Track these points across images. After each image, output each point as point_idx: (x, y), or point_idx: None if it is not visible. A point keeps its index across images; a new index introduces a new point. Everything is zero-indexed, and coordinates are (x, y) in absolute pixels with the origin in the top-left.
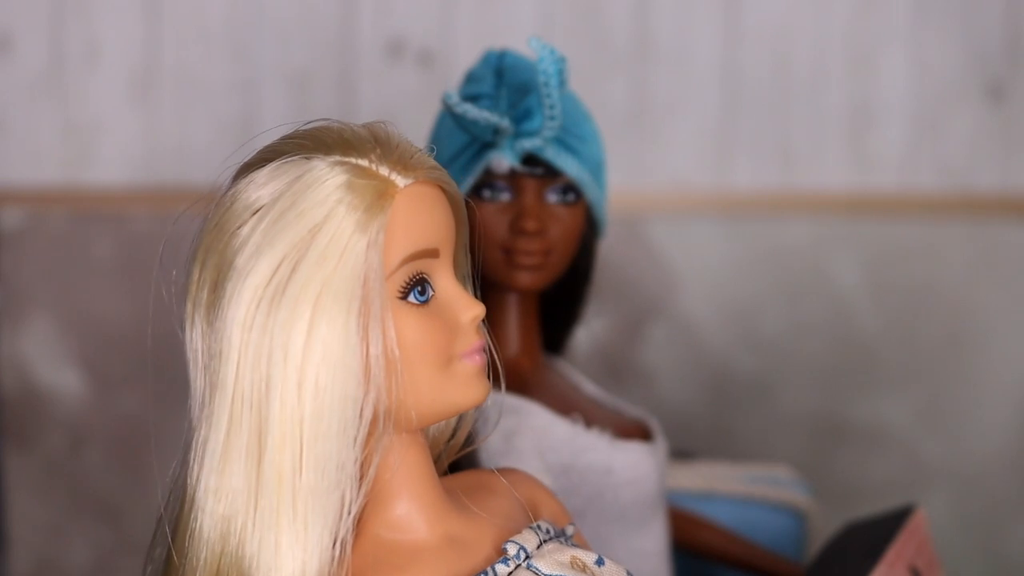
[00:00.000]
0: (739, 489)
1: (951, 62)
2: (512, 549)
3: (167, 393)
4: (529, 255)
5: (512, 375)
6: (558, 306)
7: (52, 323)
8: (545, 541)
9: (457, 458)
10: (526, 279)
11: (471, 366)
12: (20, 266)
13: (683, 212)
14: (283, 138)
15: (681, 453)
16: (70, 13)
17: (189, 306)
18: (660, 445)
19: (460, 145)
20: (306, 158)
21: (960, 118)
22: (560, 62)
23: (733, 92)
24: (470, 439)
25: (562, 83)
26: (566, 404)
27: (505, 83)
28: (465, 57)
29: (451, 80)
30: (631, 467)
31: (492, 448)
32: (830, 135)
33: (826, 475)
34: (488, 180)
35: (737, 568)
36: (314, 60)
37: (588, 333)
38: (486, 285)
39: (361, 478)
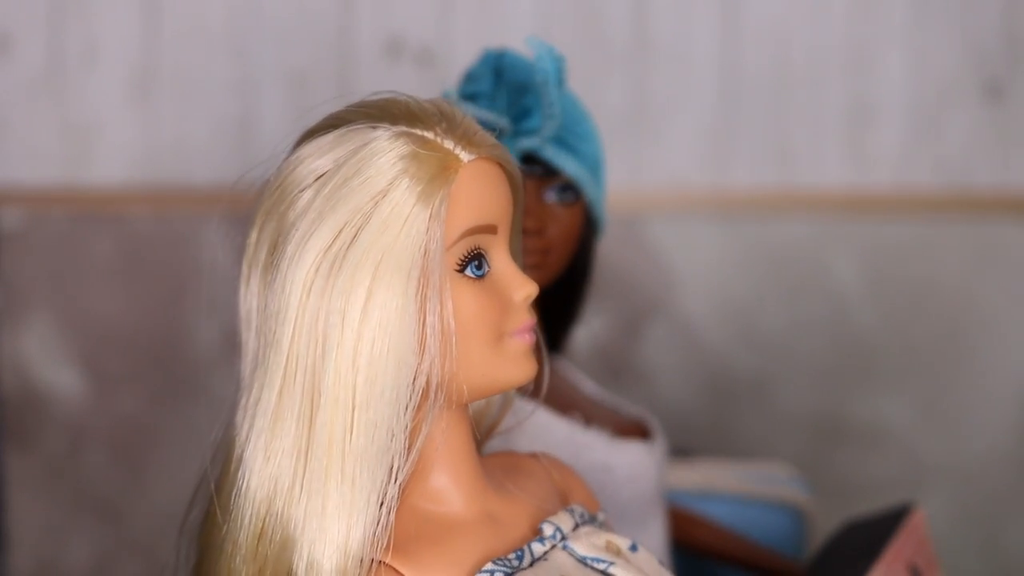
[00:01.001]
0: (738, 487)
1: (949, 60)
2: (548, 529)
3: (167, 393)
4: (528, 254)
5: None
6: (557, 305)
7: (52, 323)
8: (579, 524)
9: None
10: None
11: (521, 344)
12: (20, 266)
13: (681, 211)
14: (349, 107)
15: (680, 451)
16: (69, 13)
17: (246, 266)
18: (659, 444)
19: None
20: (371, 127)
21: (958, 117)
22: (558, 61)
23: (731, 91)
24: (492, 427)
25: (560, 82)
26: (565, 403)
27: (504, 82)
28: (464, 57)
29: (450, 80)
30: (630, 466)
31: (491, 447)
32: (828, 134)
33: (825, 473)
34: None
35: (736, 566)
36: (313, 60)
37: (587, 332)
38: None
39: (408, 448)
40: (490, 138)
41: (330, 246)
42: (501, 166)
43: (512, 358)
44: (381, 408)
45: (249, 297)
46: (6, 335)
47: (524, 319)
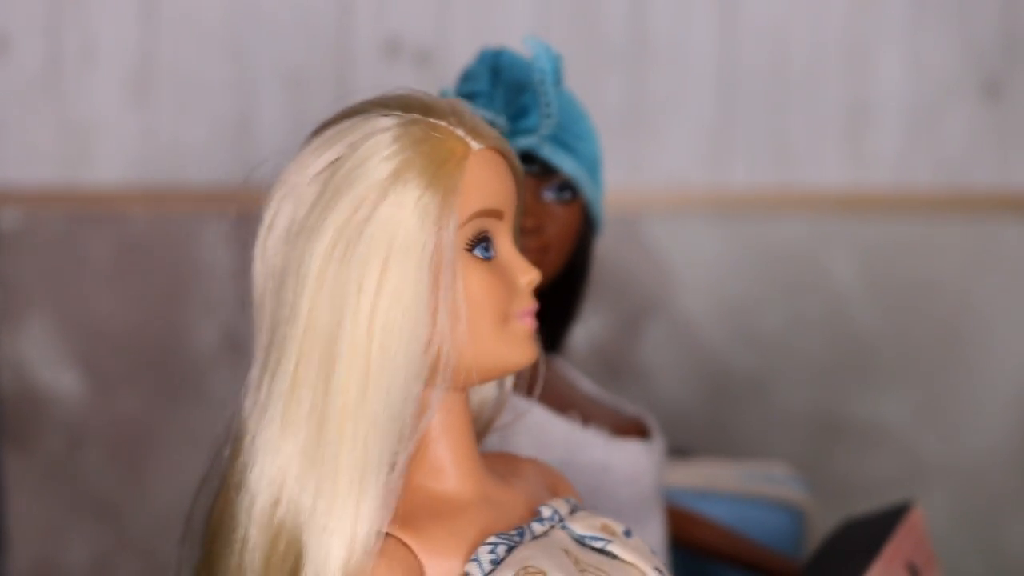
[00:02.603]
0: (737, 486)
1: (947, 60)
2: (546, 511)
3: (165, 393)
4: (526, 253)
5: None
6: (555, 304)
7: (50, 323)
8: (575, 510)
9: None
10: None
11: (524, 327)
12: (17, 266)
13: (680, 210)
14: (364, 101)
15: (679, 451)
16: (67, 13)
17: (261, 242)
18: (657, 443)
19: None
20: (384, 115)
21: (957, 115)
22: (556, 60)
23: (729, 90)
24: (488, 425)
25: (558, 81)
26: (563, 402)
27: (501, 81)
28: (462, 56)
29: (448, 79)
30: (628, 465)
31: (489, 446)
32: (827, 133)
33: (824, 472)
34: None
35: (735, 565)
36: (311, 59)
37: (586, 331)
38: None
39: (418, 418)
40: (496, 132)
41: (347, 222)
42: (505, 158)
43: (516, 340)
44: (394, 375)
45: (265, 272)
46: (4, 335)
47: (528, 302)
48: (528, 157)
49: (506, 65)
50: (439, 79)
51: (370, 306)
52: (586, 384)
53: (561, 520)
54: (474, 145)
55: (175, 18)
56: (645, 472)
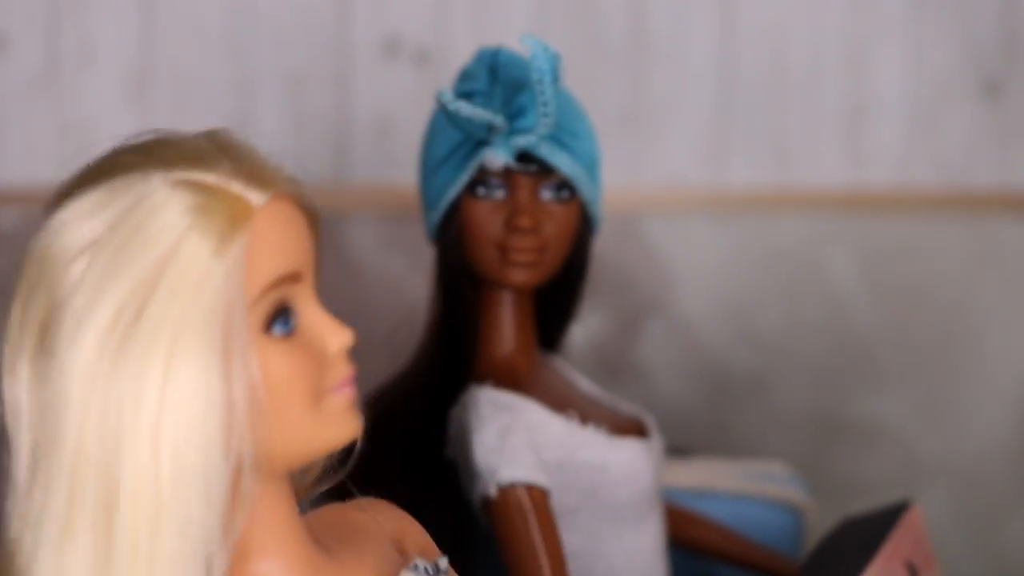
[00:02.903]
0: (735, 486)
1: (947, 58)
2: None
3: None
4: (523, 252)
5: (506, 372)
6: (553, 303)
7: None
8: None
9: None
10: (521, 276)
11: (342, 400)
12: (16, 266)
13: (679, 209)
14: (113, 152)
15: (678, 450)
16: (66, 12)
17: (9, 352)
18: (656, 442)
19: (454, 143)
20: (144, 176)
21: (956, 115)
22: (554, 59)
23: (729, 89)
24: (327, 472)
25: (556, 80)
26: (561, 401)
27: (499, 80)
28: (461, 55)
29: (447, 79)
30: (626, 464)
31: (488, 445)
32: (826, 132)
33: (823, 472)
34: (482, 177)
35: (733, 565)
36: (310, 59)
37: (584, 331)
38: (480, 282)
39: (224, 538)
40: (280, 172)
41: (114, 324)
42: (297, 203)
43: (335, 417)
44: (191, 500)
45: (16, 390)
46: (2, 336)
47: (343, 372)
48: (526, 156)
49: (504, 64)
50: (438, 79)
51: (152, 423)
52: (584, 383)
53: None
54: (256, 200)
55: (174, 17)
56: (643, 471)
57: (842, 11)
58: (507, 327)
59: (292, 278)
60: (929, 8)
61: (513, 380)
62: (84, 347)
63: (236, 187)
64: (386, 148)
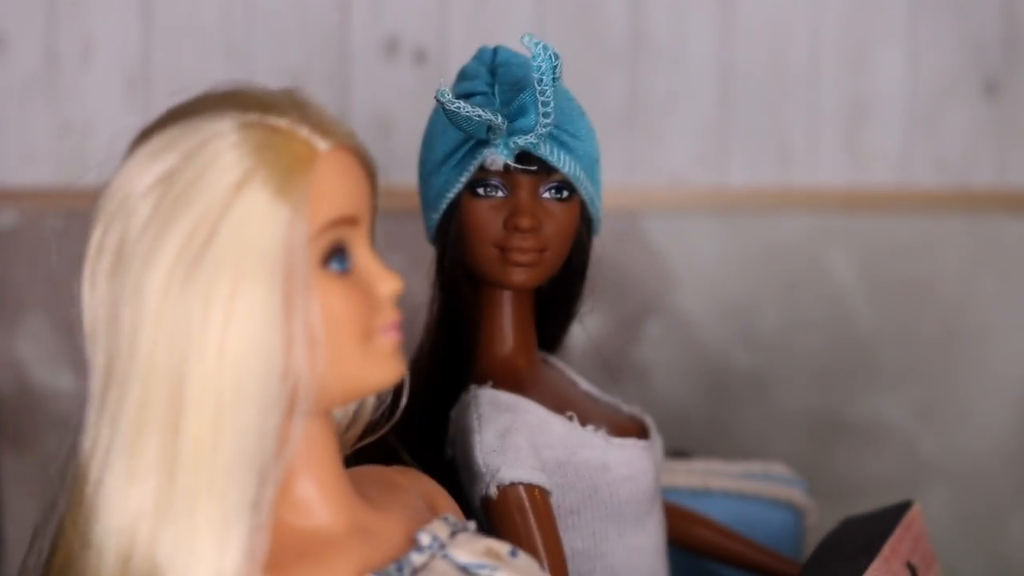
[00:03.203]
0: (736, 486)
1: (947, 58)
2: (425, 539)
3: None
4: (523, 252)
5: (507, 372)
6: (553, 303)
7: (47, 323)
8: (456, 532)
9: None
10: (520, 276)
11: (389, 342)
12: (14, 266)
13: (679, 209)
14: (193, 98)
15: (678, 450)
16: (64, 13)
17: (88, 273)
18: (655, 442)
19: (454, 143)
20: (219, 117)
21: (956, 114)
22: (554, 59)
23: (729, 89)
24: (367, 431)
25: (556, 79)
26: (561, 401)
27: (499, 80)
28: (460, 55)
29: (447, 78)
30: (626, 464)
31: (488, 445)
32: (826, 131)
33: (823, 472)
34: (482, 177)
35: (733, 565)
36: (308, 59)
37: (585, 330)
38: (480, 282)
39: (279, 454)
40: (344, 126)
41: (185, 247)
42: (357, 156)
43: (381, 357)
44: (249, 412)
45: (95, 307)
46: (1, 335)
47: (391, 315)
48: (526, 156)
49: (504, 63)
50: (438, 78)
51: (218, 340)
52: (584, 383)
53: (442, 547)
54: (321, 146)
55: (172, 17)
56: (643, 471)
57: (842, 10)
58: (507, 327)
59: (349, 221)
60: (929, 7)
61: (513, 380)
62: (158, 268)
63: (303, 132)
64: (385, 148)
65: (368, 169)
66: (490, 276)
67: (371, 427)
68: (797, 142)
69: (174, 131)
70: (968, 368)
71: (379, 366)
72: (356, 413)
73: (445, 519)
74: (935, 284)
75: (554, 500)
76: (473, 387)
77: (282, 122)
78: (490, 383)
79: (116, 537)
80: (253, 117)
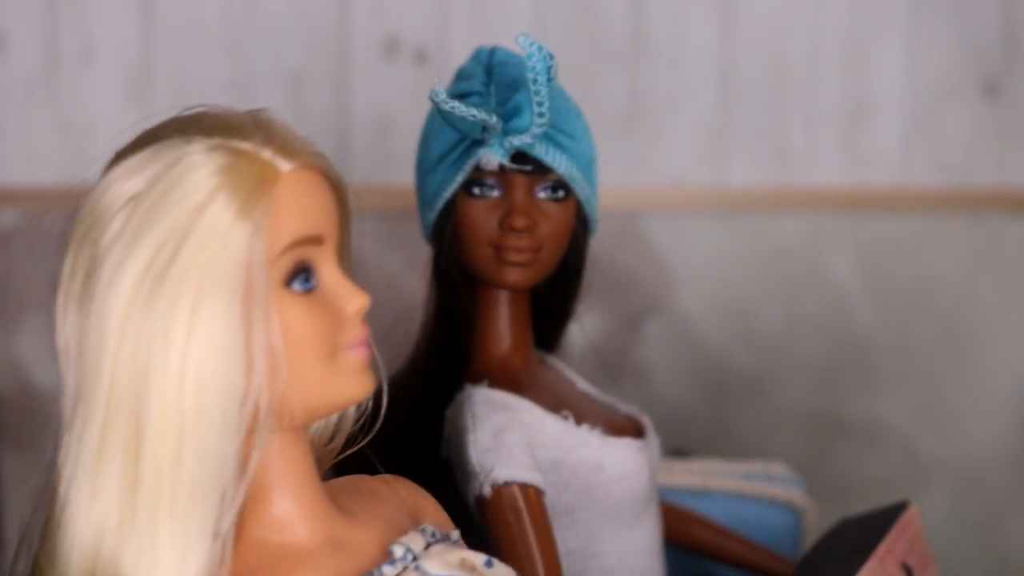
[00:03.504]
0: (735, 486)
1: (947, 58)
2: (399, 551)
3: None
4: (519, 252)
5: (502, 372)
6: (550, 303)
7: (47, 324)
8: (431, 544)
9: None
10: (516, 276)
11: (357, 358)
12: (15, 267)
13: (679, 209)
14: (161, 123)
15: (677, 450)
16: (64, 13)
17: (61, 298)
18: (652, 442)
19: (450, 142)
20: (185, 141)
21: (956, 114)
22: (549, 59)
23: (729, 89)
24: (351, 442)
25: (550, 80)
26: (557, 401)
27: (495, 80)
28: (460, 55)
29: (446, 78)
30: (622, 463)
31: (482, 445)
32: (826, 132)
33: (823, 472)
34: (478, 177)
35: (731, 565)
36: (309, 59)
37: (584, 330)
38: (476, 282)
39: (241, 475)
40: (311, 147)
41: (148, 268)
42: (325, 175)
43: (348, 374)
44: (210, 434)
45: (66, 329)
46: (2, 336)
47: (358, 332)
48: (522, 156)
49: (500, 64)
50: (438, 78)
51: (179, 361)
52: (582, 383)
53: (415, 559)
54: (284, 167)
55: (173, 17)
56: (639, 471)
57: (842, 11)
58: (503, 326)
59: (313, 240)
60: (929, 8)
61: (509, 380)
62: (121, 289)
63: (266, 154)
64: (385, 147)
65: (336, 188)
66: (486, 276)
67: (352, 439)
68: (797, 142)
69: (142, 155)
70: (967, 368)
71: (346, 382)
72: (337, 425)
73: (422, 530)
74: (934, 284)
75: (548, 499)
76: (468, 386)
77: (246, 145)
78: (485, 382)
79: (80, 552)
80: (217, 141)
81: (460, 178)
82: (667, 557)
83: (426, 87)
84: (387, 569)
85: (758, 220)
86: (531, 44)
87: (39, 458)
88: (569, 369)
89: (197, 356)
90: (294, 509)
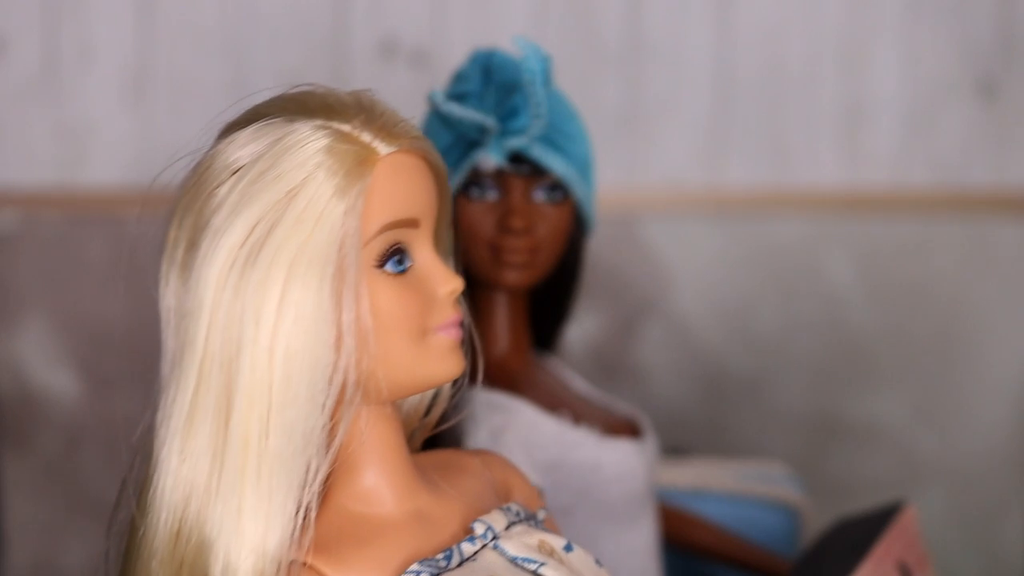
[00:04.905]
0: (732, 486)
1: (943, 59)
2: (479, 528)
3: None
4: (516, 253)
5: (500, 373)
6: (548, 304)
7: (47, 324)
8: (514, 523)
9: (437, 438)
10: (513, 277)
11: (446, 340)
12: (14, 268)
13: (676, 210)
14: (267, 101)
15: (674, 450)
16: (63, 14)
17: (164, 264)
18: (649, 442)
19: (447, 144)
20: (289, 120)
21: (952, 115)
22: (545, 61)
23: (726, 90)
24: (446, 416)
25: (547, 81)
26: (555, 401)
27: (492, 82)
28: (458, 57)
29: (444, 79)
30: (619, 464)
31: (480, 445)
32: (823, 133)
33: (820, 472)
34: (475, 179)
35: (730, 565)
36: (307, 60)
37: (582, 331)
38: (474, 283)
39: (328, 447)
40: (412, 130)
41: (244, 242)
42: (425, 159)
43: (437, 354)
44: (297, 408)
45: (167, 296)
46: (2, 337)
47: (449, 314)
48: (519, 157)
49: (497, 66)
50: (435, 80)
51: (269, 335)
52: (579, 383)
53: (495, 537)
54: (383, 150)
55: (171, 19)
56: (636, 471)
57: (839, 12)
58: (501, 327)
59: (409, 223)
60: (925, 9)
61: (506, 380)
62: (217, 260)
63: (366, 136)
64: None
65: (435, 172)
66: (483, 277)
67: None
68: (794, 144)
69: (247, 131)
70: (964, 369)
71: (435, 362)
72: (433, 399)
73: (507, 509)
74: (931, 285)
75: (547, 500)
76: (466, 387)
77: (346, 127)
78: (483, 383)
79: (169, 510)
80: (319, 121)
81: (458, 179)
82: (665, 558)
83: (424, 88)
84: (466, 546)
85: (755, 221)
86: (528, 46)
87: (39, 459)
88: (567, 369)
89: (287, 331)
90: (380, 482)
